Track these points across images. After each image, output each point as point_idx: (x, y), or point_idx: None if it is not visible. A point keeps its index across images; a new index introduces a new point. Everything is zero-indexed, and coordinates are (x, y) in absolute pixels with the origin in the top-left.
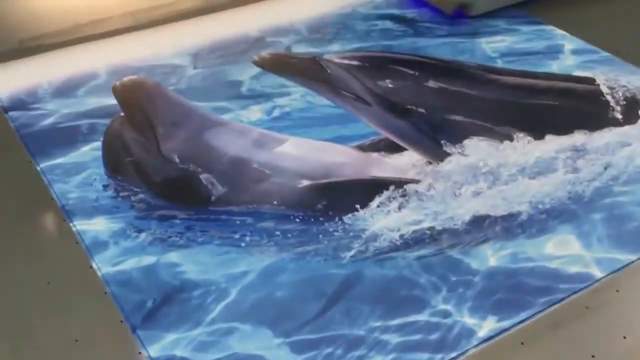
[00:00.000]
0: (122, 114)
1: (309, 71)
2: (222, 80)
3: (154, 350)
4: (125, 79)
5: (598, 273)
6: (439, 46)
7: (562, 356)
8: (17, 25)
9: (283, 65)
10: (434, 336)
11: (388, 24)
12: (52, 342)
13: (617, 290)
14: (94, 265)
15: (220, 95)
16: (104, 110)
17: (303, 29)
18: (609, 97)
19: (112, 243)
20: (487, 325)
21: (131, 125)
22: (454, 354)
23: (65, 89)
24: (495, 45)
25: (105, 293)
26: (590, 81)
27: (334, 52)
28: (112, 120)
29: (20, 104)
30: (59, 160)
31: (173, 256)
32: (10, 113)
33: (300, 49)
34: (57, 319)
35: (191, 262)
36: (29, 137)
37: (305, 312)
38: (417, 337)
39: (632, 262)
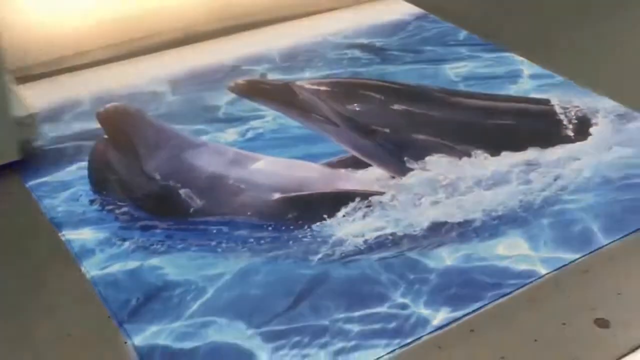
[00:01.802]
0: (106, 136)
1: (281, 96)
2: (199, 105)
3: (138, 340)
4: (109, 105)
5: (543, 270)
6: (405, 72)
7: (508, 341)
8: (5, 57)
9: (257, 91)
10: (392, 325)
11: (357, 53)
12: (46, 337)
13: (559, 285)
14: (82, 270)
15: (198, 119)
16: (88, 133)
17: (276, 58)
18: (562, 117)
19: (99, 250)
20: (441, 316)
21: (115, 147)
22: (409, 340)
23: (52, 115)
24: (458, 71)
25: (93, 293)
26: (545, 102)
27: (305, 79)
28: (97, 143)
29: None
30: (46, 179)
31: (155, 261)
32: None
33: (273, 76)
34: (50, 317)
35: (172, 266)
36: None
37: (275, 307)
38: (377, 326)
39: (574, 260)
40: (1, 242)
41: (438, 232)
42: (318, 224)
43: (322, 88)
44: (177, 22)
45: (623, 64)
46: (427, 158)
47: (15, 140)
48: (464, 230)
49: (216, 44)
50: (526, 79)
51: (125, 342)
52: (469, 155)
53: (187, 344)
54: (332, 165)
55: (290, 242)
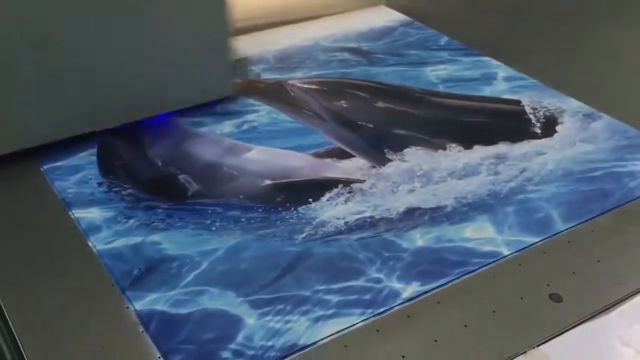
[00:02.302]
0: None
1: (275, 93)
2: None
3: (138, 305)
4: None
5: (505, 251)
6: (389, 73)
7: (470, 312)
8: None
9: (253, 88)
10: (367, 296)
11: (346, 55)
12: (52, 302)
13: (520, 265)
14: (89, 244)
15: (198, 112)
16: None
17: (271, 59)
18: (531, 116)
19: (105, 227)
20: (411, 289)
21: (122, 136)
22: (382, 309)
23: None
24: (438, 73)
25: (99, 264)
26: (517, 103)
27: (297, 78)
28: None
29: None
30: (60, 163)
31: (155, 237)
32: None
33: (268, 75)
34: (57, 283)
35: (170, 242)
36: None
37: (263, 279)
38: (353, 297)
39: (534, 243)
40: (15, 219)
41: (412, 216)
42: (304, 206)
43: (313, 87)
44: None
45: (591, 67)
46: (405, 150)
47: (230, 79)
48: (436, 215)
49: None
50: (500, 81)
51: (127, 307)
52: (444, 149)
53: (182, 310)
54: (318, 155)
55: (278, 222)
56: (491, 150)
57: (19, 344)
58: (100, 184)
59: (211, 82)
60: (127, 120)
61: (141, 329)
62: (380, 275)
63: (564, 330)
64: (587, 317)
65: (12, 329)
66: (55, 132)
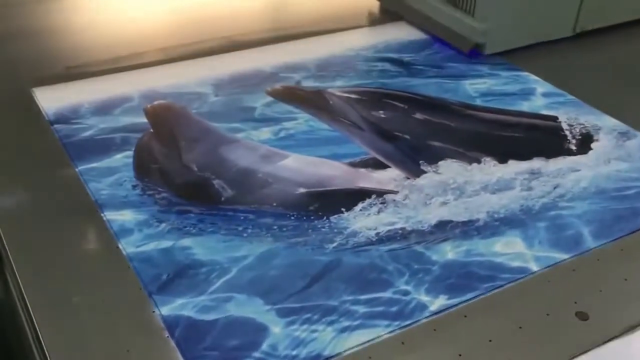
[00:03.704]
0: (152, 130)
1: (313, 101)
2: (238, 106)
3: (165, 310)
4: (155, 102)
5: (535, 267)
6: (428, 85)
7: (496, 327)
8: (64, 54)
9: (292, 95)
10: (394, 308)
11: (386, 65)
12: (79, 304)
13: (549, 281)
14: (120, 246)
15: (235, 118)
16: (135, 126)
17: (312, 67)
18: (567, 132)
19: (137, 230)
20: (438, 302)
21: (158, 139)
22: (408, 322)
23: (103, 109)
24: (476, 87)
25: (129, 267)
26: (553, 119)
27: (337, 87)
28: (143, 135)
29: (63, 118)
30: (95, 165)
31: (186, 242)
32: (55, 126)
33: (308, 84)
34: (87, 285)
35: (200, 247)
36: (70, 145)
37: (291, 287)
38: (380, 308)
39: (564, 259)
40: (48, 220)
41: (443, 228)
42: (336, 216)
43: (352, 96)
44: (223, 31)
45: (629, 85)
46: (440, 162)
47: None
48: (467, 229)
49: (257, 52)
50: (538, 97)
51: (154, 312)
52: (479, 162)
53: (209, 316)
54: (354, 164)
55: (310, 230)
56: (526, 165)
57: (43, 343)
58: (134, 187)
59: None
60: None
61: (166, 334)
62: (409, 288)
63: (589, 348)
64: (612, 337)
65: (37, 328)
66: None
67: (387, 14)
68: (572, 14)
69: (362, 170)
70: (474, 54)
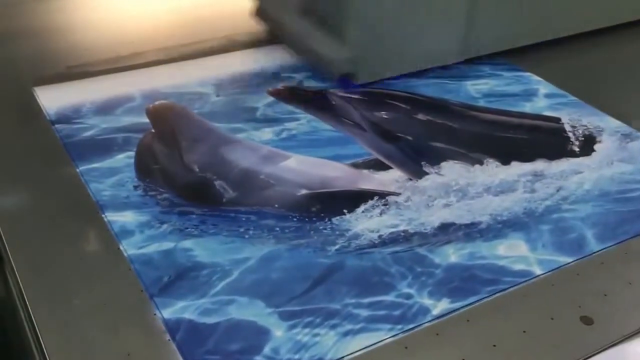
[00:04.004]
0: (153, 130)
1: (315, 101)
2: (239, 106)
3: (166, 313)
4: (157, 102)
5: (538, 271)
6: (430, 86)
7: (499, 331)
8: (65, 53)
9: (294, 95)
10: (397, 312)
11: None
12: (79, 306)
13: (553, 285)
14: (121, 248)
15: (237, 118)
16: (137, 126)
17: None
18: (570, 134)
19: (138, 231)
20: (441, 306)
21: (160, 139)
22: (411, 326)
23: (105, 108)
24: (479, 87)
25: (130, 269)
26: (556, 120)
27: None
28: (144, 135)
29: (65, 118)
30: (96, 165)
31: (188, 243)
32: (56, 125)
33: (310, 84)
34: (88, 287)
35: (202, 248)
36: (71, 145)
37: (293, 290)
38: (383, 312)
39: (568, 263)
40: (48, 220)
41: (446, 231)
42: (338, 218)
43: (354, 96)
44: (224, 31)
45: (633, 86)
46: (443, 164)
47: None
48: (470, 231)
49: (259, 52)
50: (541, 98)
51: (155, 314)
52: (481, 163)
53: (210, 319)
54: (356, 165)
55: (312, 232)
56: (528, 167)
57: (42, 345)
58: (136, 187)
59: None
60: None
61: (168, 337)
62: (411, 291)
63: (594, 353)
64: (616, 341)
65: (38, 332)
66: None
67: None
68: (458, 40)
69: (365, 171)
70: (346, 83)
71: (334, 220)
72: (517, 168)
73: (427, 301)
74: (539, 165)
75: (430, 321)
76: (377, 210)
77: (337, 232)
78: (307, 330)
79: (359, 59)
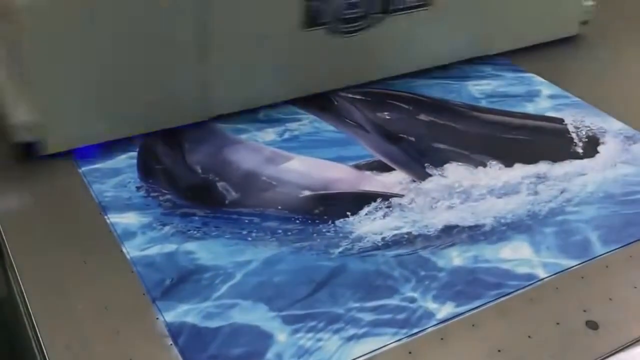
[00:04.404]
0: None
1: (318, 102)
2: None
3: (169, 316)
4: None
5: (542, 274)
6: (432, 86)
7: (505, 336)
8: None
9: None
10: (401, 316)
11: None
12: (82, 309)
13: (557, 288)
14: (123, 250)
15: (240, 119)
16: None
17: None
18: (573, 135)
19: (140, 233)
20: (445, 310)
21: (162, 140)
22: (415, 330)
23: None
24: (481, 88)
25: (132, 272)
26: (559, 121)
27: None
28: (147, 135)
29: None
30: (98, 165)
31: (190, 246)
32: None
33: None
34: (91, 292)
35: (205, 251)
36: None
37: (296, 293)
38: (387, 316)
39: (572, 266)
40: (51, 222)
41: (450, 233)
42: (341, 220)
43: (357, 97)
44: None
45: (636, 87)
46: (446, 165)
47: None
48: (474, 234)
49: None
50: (544, 98)
51: (157, 318)
52: (485, 165)
53: (213, 323)
54: (359, 167)
55: (315, 235)
56: (532, 169)
57: (44, 351)
58: (138, 188)
59: None
60: None
61: (170, 341)
62: (415, 295)
63: (600, 358)
64: (622, 346)
65: (39, 335)
66: None
67: None
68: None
69: (368, 172)
70: (33, 153)
71: (337, 222)
72: (521, 170)
73: (431, 305)
74: (543, 167)
75: (434, 325)
76: (381, 213)
77: (341, 235)
78: (310, 334)
79: (44, 125)
